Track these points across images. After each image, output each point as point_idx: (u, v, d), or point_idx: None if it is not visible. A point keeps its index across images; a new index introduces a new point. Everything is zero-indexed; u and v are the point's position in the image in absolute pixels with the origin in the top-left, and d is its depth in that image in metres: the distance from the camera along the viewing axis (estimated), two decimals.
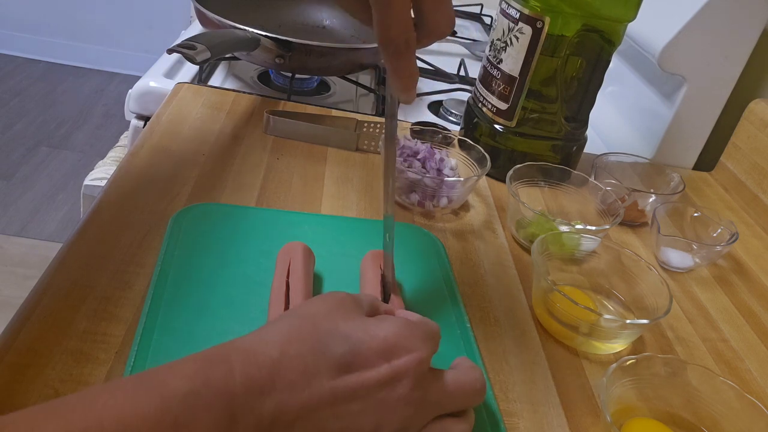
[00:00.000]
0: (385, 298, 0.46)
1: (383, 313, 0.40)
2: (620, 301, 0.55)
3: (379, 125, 0.74)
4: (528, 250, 0.59)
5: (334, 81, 0.93)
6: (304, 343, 0.32)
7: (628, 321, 0.48)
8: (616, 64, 0.92)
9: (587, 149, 0.74)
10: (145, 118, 0.81)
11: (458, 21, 1.40)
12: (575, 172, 0.66)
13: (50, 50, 2.84)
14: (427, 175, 0.60)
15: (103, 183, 0.90)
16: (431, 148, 0.66)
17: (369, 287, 0.46)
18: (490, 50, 0.69)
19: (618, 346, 0.50)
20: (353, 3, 0.39)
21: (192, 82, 0.82)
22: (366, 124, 0.72)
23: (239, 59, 0.84)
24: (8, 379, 0.36)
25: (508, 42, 0.65)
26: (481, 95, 0.71)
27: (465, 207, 0.65)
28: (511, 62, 0.65)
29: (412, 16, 0.38)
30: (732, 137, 0.83)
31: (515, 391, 0.44)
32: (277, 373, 0.30)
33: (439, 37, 0.39)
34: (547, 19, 0.61)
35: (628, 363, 0.43)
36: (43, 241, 1.80)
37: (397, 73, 0.39)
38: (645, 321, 0.48)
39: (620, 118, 0.94)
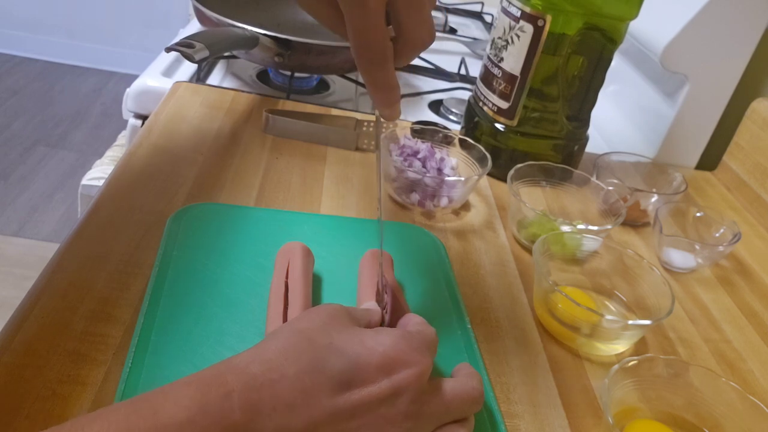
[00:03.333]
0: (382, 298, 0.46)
1: (376, 323, 0.40)
2: (622, 302, 0.54)
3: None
4: (529, 251, 0.59)
5: (334, 80, 0.92)
6: (301, 361, 0.31)
7: (629, 322, 0.47)
8: (617, 62, 0.92)
9: (589, 148, 0.74)
10: (143, 117, 0.81)
11: (459, 19, 1.39)
12: (577, 171, 0.66)
13: (48, 49, 2.83)
14: (428, 174, 0.60)
15: (100, 183, 0.89)
16: (432, 147, 0.65)
17: (366, 289, 0.46)
18: (491, 49, 0.69)
19: (620, 347, 0.50)
20: (324, 8, 0.37)
21: (190, 80, 0.81)
22: (366, 123, 0.71)
23: (238, 58, 0.84)
24: (6, 379, 0.36)
25: (509, 40, 0.65)
26: (482, 94, 0.70)
27: (466, 207, 0.65)
28: (513, 61, 0.65)
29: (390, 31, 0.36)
30: (734, 136, 0.83)
31: (516, 393, 0.44)
32: (276, 395, 0.30)
33: (419, 48, 0.37)
34: (549, 18, 0.61)
35: (629, 364, 0.43)
36: (40, 241, 1.79)
37: (375, 85, 0.37)
38: (647, 322, 0.48)
39: (622, 117, 0.93)
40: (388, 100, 0.38)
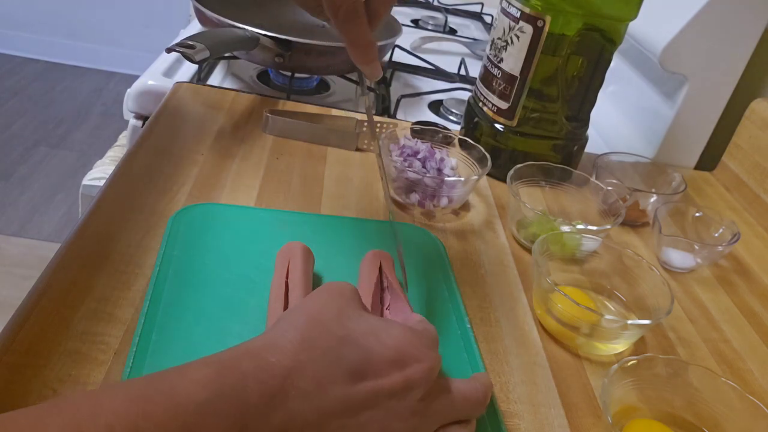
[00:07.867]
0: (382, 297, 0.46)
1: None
2: (621, 302, 0.54)
3: (379, 124, 0.74)
4: (529, 250, 0.59)
5: (334, 80, 0.92)
6: (316, 349, 0.31)
7: (629, 321, 0.47)
8: (617, 63, 0.92)
9: (588, 149, 0.74)
10: (144, 118, 0.81)
11: (459, 20, 1.40)
12: (576, 171, 0.66)
13: (49, 49, 2.84)
14: (428, 174, 0.60)
15: (101, 183, 0.89)
16: (431, 147, 0.65)
17: (364, 288, 0.46)
18: (490, 49, 0.69)
19: (619, 346, 0.50)
20: None
21: (191, 81, 0.81)
22: (366, 124, 0.71)
23: (238, 58, 0.84)
24: (7, 379, 0.36)
25: (509, 41, 0.65)
26: (482, 94, 0.70)
27: (465, 207, 0.65)
28: (512, 61, 0.65)
29: None
30: (733, 137, 0.83)
31: (516, 392, 0.44)
32: (291, 381, 0.30)
33: (389, 4, 0.40)
34: (548, 18, 0.61)
35: (629, 364, 0.43)
36: (41, 241, 1.80)
37: (353, 42, 0.39)
38: (646, 321, 0.48)
39: (621, 117, 0.93)
40: (366, 56, 0.40)
